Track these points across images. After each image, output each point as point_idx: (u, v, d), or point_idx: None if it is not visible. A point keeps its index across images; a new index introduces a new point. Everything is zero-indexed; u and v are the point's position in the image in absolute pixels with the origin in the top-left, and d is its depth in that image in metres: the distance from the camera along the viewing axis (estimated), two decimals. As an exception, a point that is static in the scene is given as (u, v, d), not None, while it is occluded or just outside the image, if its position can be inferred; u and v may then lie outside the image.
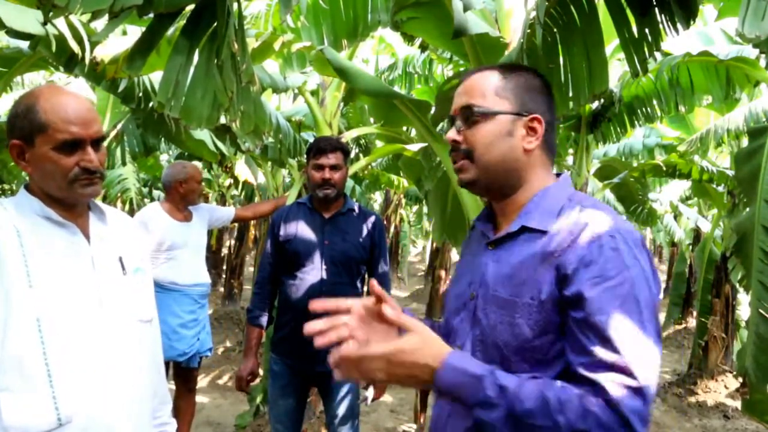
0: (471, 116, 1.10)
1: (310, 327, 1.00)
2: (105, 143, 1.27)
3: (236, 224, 9.09)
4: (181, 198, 3.29)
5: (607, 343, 0.92)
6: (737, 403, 5.27)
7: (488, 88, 1.11)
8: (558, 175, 1.16)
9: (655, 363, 0.93)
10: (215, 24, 1.81)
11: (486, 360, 1.03)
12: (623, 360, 0.90)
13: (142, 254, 1.40)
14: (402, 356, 0.95)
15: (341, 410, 2.47)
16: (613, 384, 0.90)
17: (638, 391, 0.89)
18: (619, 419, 0.88)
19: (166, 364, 3.14)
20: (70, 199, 1.22)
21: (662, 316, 9.63)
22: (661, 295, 12.25)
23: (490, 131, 1.09)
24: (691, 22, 1.94)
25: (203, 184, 3.36)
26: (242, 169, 6.38)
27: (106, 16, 1.46)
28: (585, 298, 0.94)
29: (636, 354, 0.91)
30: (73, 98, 1.21)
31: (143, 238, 1.57)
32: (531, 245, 1.04)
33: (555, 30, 2.30)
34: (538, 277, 1.01)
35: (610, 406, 0.89)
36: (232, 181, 8.05)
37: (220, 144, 4.85)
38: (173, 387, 3.32)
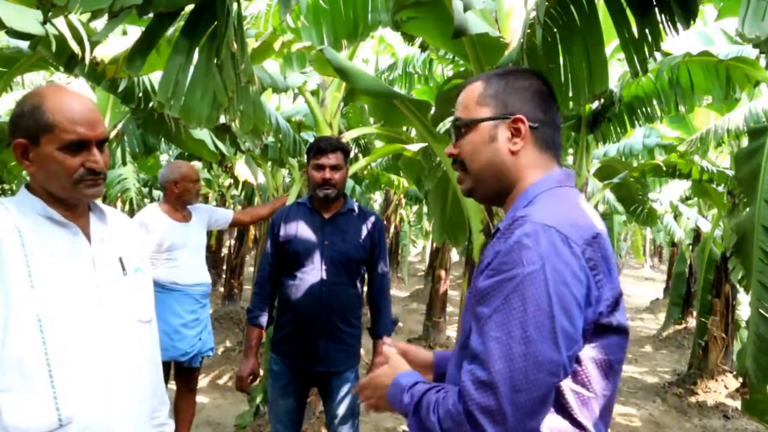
0: (458, 129, 1.15)
1: None
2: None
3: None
4: (177, 198, 3.29)
5: (479, 335, 0.92)
6: (737, 403, 5.27)
7: (470, 99, 1.14)
8: None
9: (525, 364, 0.88)
10: (215, 24, 1.81)
11: (454, 358, 1.11)
12: (484, 353, 0.90)
13: (141, 255, 1.40)
14: (376, 381, 1.15)
15: (341, 410, 2.46)
16: (468, 374, 0.90)
17: (488, 385, 0.88)
18: (464, 411, 0.88)
19: (168, 364, 3.14)
20: (73, 199, 1.22)
21: (662, 316, 9.63)
22: (661, 295, 12.33)
23: (473, 140, 1.12)
24: (691, 22, 1.94)
25: (201, 183, 3.35)
26: (242, 169, 6.37)
27: (106, 16, 1.46)
28: (476, 288, 0.97)
29: (499, 350, 0.89)
30: (78, 99, 1.21)
31: (143, 238, 1.58)
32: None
33: (555, 30, 2.30)
34: (477, 274, 1.04)
35: (461, 397, 0.90)
36: (232, 181, 8.04)
37: (220, 144, 4.85)
38: (174, 387, 3.32)
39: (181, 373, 3.30)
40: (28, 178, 1.25)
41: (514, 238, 0.94)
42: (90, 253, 1.24)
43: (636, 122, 4.58)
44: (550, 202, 1.02)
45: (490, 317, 0.91)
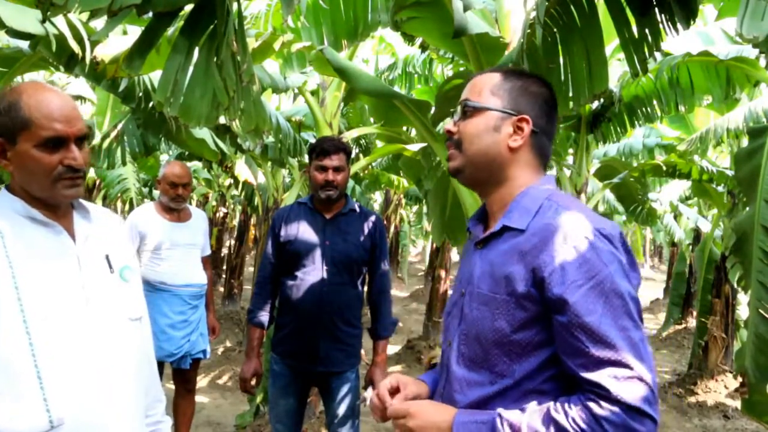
0: (465, 110, 1.19)
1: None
2: (89, 142, 1.24)
3: (236, 224, 8.93)
4: (164, 197, 3.25)
5: (600, 341, 0.96)
6: (737, 403, 5.27)
7: (486, 86, 1.19)
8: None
9: (645, 349, 0.98)
10: (214, 23, 1.81)
11: (469, 353, 1.11)
12: (618, 354, 0.95)
13: (129, 251, 1.37)
14: (423, 417, 1.11)
15: (341, 410, 2.46)
16: (613, 380, 0.94)
17: (637, 379, 0.94)
18: (627, 411, 0.93)
19: (160, 364, 3.13)
20: (53, 199, 1.19)
21: (662, 316, 9.63)
22: (661, 295, 12.32)
23: (478, 124, 1.16)
24: (691, 22, 1.94)
25: (186, 190, 3.21)
26: (242, 169, 6.37)
27: (106, 16, 1.46)
28: (569, 303, 0.98)
29: (628, 345, 0.96)
30: (56, 95, 1.18)
31: (130, 235, 1.55)
32: (509, 243, 1.10)
33: (555, 30, 2.30)
34: (513, 274, 1.06)
35: (617, 403, 0.93)
36: (232, 181, 8.04)
37: (220, 143, 4.85)
38: (172, 387, 3.32)
39: (177, 373, 3.29)
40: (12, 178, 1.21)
41: (585, 244, 1.00)
42: (75, 252, 1.21)
43: (636, 122, 4.58)
44: (579, 205, 1.10)
45: (599, 322, 0.96)
